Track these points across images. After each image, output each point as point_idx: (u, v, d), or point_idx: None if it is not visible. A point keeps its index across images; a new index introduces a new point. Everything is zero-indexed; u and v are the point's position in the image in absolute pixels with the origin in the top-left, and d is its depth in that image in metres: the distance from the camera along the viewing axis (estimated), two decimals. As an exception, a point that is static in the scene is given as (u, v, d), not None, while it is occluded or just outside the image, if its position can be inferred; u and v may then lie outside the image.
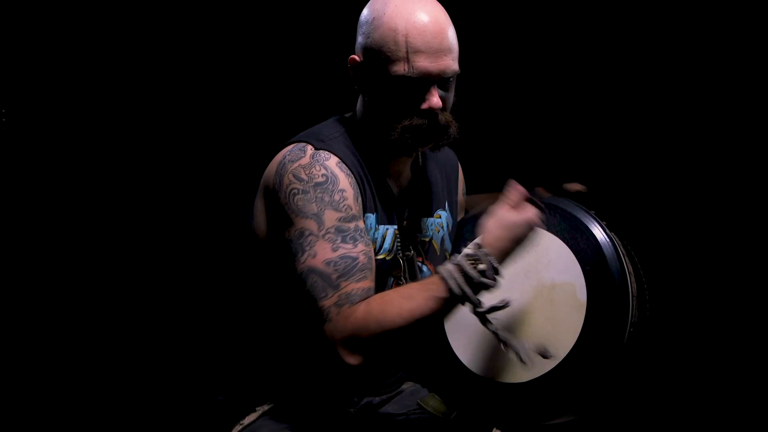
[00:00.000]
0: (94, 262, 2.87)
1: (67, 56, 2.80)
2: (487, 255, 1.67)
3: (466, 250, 1.69)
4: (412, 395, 2.03)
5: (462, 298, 1.65)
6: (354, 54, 1.84)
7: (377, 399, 1.95)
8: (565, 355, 1.77)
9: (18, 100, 2.72)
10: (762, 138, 2.84)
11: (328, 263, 1.70)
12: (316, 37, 2.94)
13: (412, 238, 1.95)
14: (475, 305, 1.65)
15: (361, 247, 1.73)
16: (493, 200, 1.79)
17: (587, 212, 1.82)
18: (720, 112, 2.88)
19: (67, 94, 2.81)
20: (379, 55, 1.78)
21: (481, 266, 1.66)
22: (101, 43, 2.83)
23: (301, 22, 2.96)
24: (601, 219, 1.81)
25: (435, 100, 1.78)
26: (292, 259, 1.72)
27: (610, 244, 1.78)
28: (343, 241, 1.71)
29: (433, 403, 1.99)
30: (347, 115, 1.92)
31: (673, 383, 2.91)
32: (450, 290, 1.65)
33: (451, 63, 1.79)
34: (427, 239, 1.97)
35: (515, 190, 1.75)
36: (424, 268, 1.96)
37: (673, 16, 2.87)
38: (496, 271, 1.67)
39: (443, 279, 1.65)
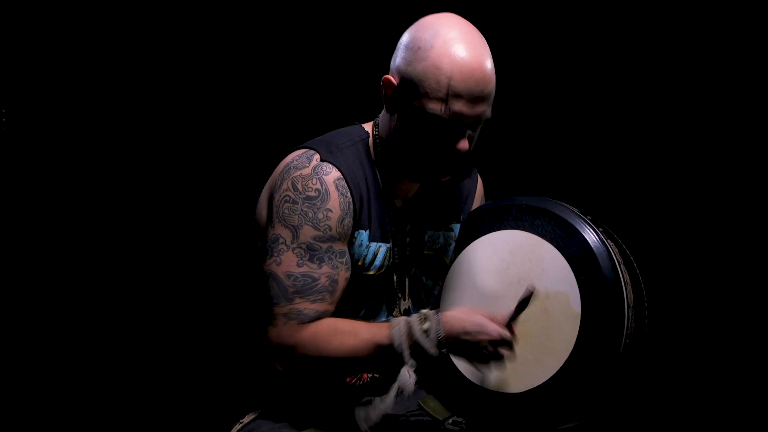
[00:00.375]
0: (94, 261, 2.86)
1: (67, 56, 2.78)
2: (438, 334, 1.72)
3: (424, 324, 1.73)
4: (413, 396, 1.97)
5: (398, 354, 1.72)
6: (389, 74, 1.83)
7: (378, 399, 1.92)
8: (559, 366, 1.75)
9: (18, 100, 2.71)
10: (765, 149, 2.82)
11: (288, 275, 1.75)
12: (336, 39, 2.94)
13: (415, 253, 1.94)
14: (405, 362, 1.72)
15: (326, 269, 1.76)
16: None
17: (583, 218, 1.78)
18: (725, 122, 2.86)
19: (67, 94, 2.80)
20: (417, 88, 1.76)
21: (429, 341, 1.72)
22: (101, 43, 2.81)
23: (318, 23, 2.95)
24: (597, 225, 1.78)
25: (464, 144, 1.79)
26: (262, 256, 1.78)
27: (604, 252, 1.74)
28: (310, 259, 1.75)
29: (433, 404, 1.99)
30: (368, 124, 1.91)
31: (674, 395, 2.88)
32: (392, 342, 1.72)
33: (486, 109, 1.79)
34: (432, 252, 1.96)
35: (502, 329, 1.75)
36: (430, 284, 1.97)
37: (672, 18, 2.85)
38: (439, 343, 1.73)
39: (390, 330, 1.73)
